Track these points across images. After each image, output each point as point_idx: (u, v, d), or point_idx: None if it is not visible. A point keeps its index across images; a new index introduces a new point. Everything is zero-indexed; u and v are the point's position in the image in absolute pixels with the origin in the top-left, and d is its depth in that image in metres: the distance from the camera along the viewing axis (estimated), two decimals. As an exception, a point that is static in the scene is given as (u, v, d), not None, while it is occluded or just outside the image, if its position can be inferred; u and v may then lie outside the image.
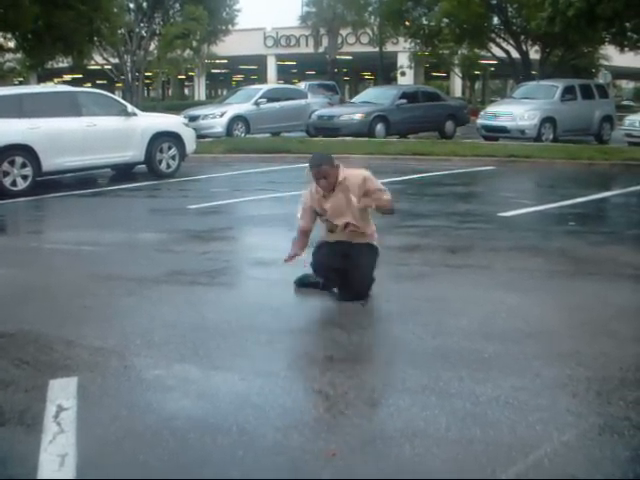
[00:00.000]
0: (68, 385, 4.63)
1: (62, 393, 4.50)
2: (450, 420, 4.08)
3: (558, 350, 5.19)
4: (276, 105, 25.62)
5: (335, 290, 6.63)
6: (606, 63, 40.80)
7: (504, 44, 31.73)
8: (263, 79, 54.16)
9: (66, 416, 4.19)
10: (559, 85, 23.82)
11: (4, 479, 3.59)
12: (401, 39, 36.88)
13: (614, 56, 36.93)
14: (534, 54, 31.61)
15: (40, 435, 3.96)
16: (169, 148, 15.77)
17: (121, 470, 3.65)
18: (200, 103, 38.71)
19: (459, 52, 36.00)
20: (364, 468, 3.62)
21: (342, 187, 6.48)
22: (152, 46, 38.09)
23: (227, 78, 72.36)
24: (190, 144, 16.30)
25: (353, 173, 6.58)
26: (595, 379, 4.66)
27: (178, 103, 45.81)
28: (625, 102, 59.27)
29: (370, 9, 41.13)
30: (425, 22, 32.56)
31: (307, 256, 6.70)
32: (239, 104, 25.34)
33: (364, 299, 6.44)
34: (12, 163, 13.29)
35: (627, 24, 26.39)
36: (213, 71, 56.90)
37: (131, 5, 37.42)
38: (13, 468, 3.70)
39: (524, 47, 31.18)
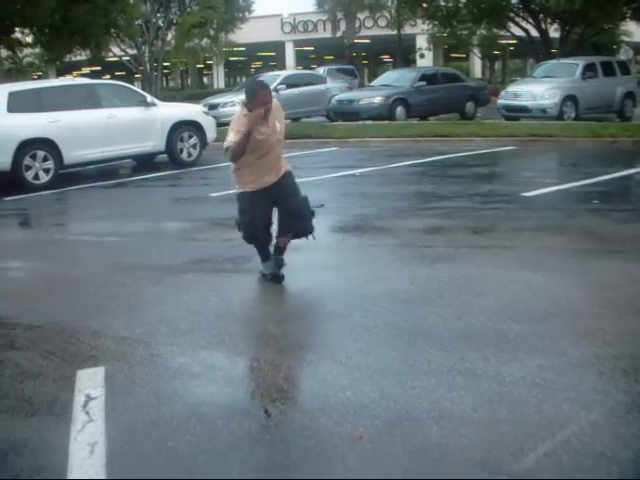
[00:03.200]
0: (96, 375, 4.67)
1: (90, 383, 4.55)
2: (477, 400, 4.08)
3: (584, 329, 5.17)
4: (295, 91, 25.58)
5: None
6: (627, 39, 40.36)
7: (523, 23, 31.41)
8: (281, 65, 54.01)
9: (94, 405, 4.23)
10: (580, 63, 23.59)
11: (36, 468, 3.63)
12: (419, 21, 36.57)
13: (635, 32, 36.56)
14: (554, 32, 31.30)
15: (69, 424, 4.01)
16: (190, 137, 15.82)
17: (150, 457, 3.69)
18: (219, 91, 38.68)
19: (478, 32, 35.66)
20: (391, 450, 3.63)
21: (273, 115, 6.29)
22: (169, 36, 38.13)
23: (245, 65, 72.32)
24: (210, 132, 16.33)
25: (276, 102, 6.43)
26: (621, 357, 4.63)
27: (197, 92, 45.84)
28: (647, 78, 58.64)
29: (387, -9, 40.95)
30: (443, 3, 32.23)
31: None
32: (258, 91, 25.29)
33: (310, 231, 6.61)
34: (34, 157, 13.38)
35: (648, -1, 26.12)
36: (231, 59, 56.93)
37: (147, -4, 37.47)
38: (44, 457, 3.74)
39: (543, 25, 30.86)
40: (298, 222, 6.56)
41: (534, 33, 31.21)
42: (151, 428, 3.95)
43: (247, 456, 3.65)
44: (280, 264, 6.59)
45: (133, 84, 28.88)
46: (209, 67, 62.65)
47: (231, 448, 3.73)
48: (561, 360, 4.61)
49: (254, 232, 6.52)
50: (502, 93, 24.56)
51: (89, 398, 4.32)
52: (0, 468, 3.64)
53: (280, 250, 6.63)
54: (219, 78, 61.74)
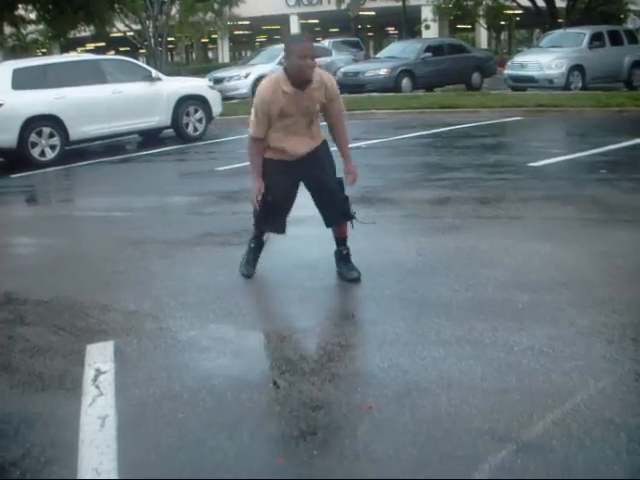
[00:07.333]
0: (105, 349, 4.69)
1: (100, 357, 4.56)
2: (485, 370, 4.08)
3: (592, 298, 5.16)
4: (300, 64, 25.45)
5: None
6: (635, 8, 40.01)
7: (529, -8, 31.22)
8: (286, 39, 53.65)
9: (104, 379, 4.25)
10: (586, 32, 23.41)
11: (48, 442, 3.65)
12: (424, -8, 36.43)
13: (643, 0, 36.23)
14: (560, 2, 31.05)
15: (80, 398, 4.03)
16: (195, 111, 15.79)
17: (161, 429, 3.70)
18: (224, 65, 38.51)
19: (483, 3, 35.45)
20: (401, 420, 3.64)
21: (313, 96, 5.47)
22: (174, 10, 37.88)
23: (250, 39, 71.98)
24: (216, 106, 16.29)
25: (323, 78, 5.48)
26: (630, 325, 4.63)
27: (202, 66, 45.67)
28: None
29: (392, -37, 40.57)
30: (448, -27, 32.11)
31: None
32: (263, 64, 25.23)
33: (351, 216, 5.84)
34: (39, 134, 13.39)
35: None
36: (236, 33, 56.59)
37: (150, -30, 37.18)
38: (56, 431, 3.76)
39: (550, -5, 30.66)
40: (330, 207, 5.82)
41: (540, 3, 30.97)
42: (161, 401, 3.97)
43: (257, 428, 3.67)
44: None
45: (138, 59, 28.78)
46: (214, 41, 62.39)
47: (241, 420, 3.74)
48: (570, 329, 4.61)
49: (268, 208, 5.70)
50: (508, 64, 24.43)
51: (99, 372, 4.34)
52: (12, 442, 3.66)
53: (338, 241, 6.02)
54: (224, 52, 61.44)
